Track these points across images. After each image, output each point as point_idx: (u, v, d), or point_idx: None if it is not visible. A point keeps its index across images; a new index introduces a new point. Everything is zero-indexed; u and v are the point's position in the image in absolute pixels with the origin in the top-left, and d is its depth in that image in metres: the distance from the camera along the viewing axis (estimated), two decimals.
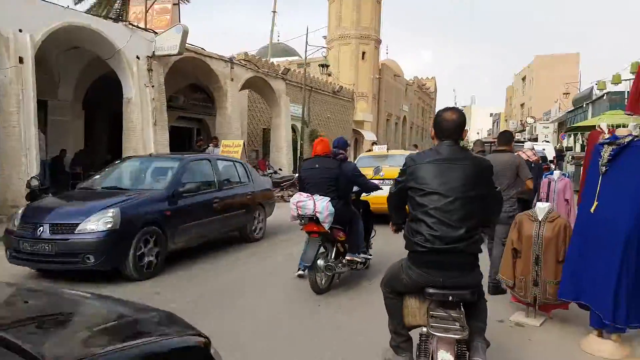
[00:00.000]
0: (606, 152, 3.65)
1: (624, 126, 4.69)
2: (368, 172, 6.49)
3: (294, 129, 25.59)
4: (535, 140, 39.59)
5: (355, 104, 37.06)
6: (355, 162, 10.13)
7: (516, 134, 54.96)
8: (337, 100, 29.15)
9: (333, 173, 5.38)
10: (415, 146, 13.90)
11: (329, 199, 5.19)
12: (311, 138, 26.35)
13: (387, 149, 14.58)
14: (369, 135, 33.08)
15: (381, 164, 8.01)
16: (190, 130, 20.24)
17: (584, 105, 25.49)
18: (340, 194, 5.42)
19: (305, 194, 5.30)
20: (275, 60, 37.62)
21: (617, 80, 17.50)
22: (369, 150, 20.17)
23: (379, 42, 39.17)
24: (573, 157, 16.34)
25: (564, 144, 28.59)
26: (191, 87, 18.09)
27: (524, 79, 58.34)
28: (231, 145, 14.10)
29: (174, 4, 16.10)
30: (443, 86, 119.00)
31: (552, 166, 13.89)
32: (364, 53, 37.64)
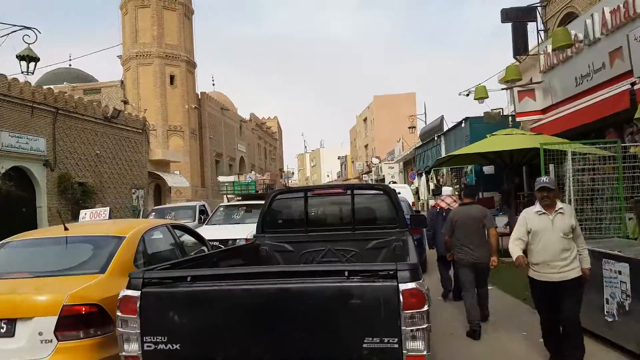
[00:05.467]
0: None
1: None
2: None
3: (27, 175, 15.79)
4: (383, 181, 35.53)
5: (163, 138, 28.30)
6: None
7: (363, 175, 51.73)
8: (116, 132, 20.15)
9: None
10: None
11: None
12: (61, 187, 16.77)
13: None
14: (174, 180, 24.43)
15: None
16: None
17: (436, 138, 20.73)
18: None
19: None
20: (65, 85, 27.46)
21: (482, 93, 12.18)
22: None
23: (193, 64, 31.44)
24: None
25: (415, 185, 23.83)
26: None
27: (365, 120, 56.19)
28: None
29: None
30: (291, 129, 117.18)
31: None
32: (172, 77, 29.46)
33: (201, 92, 33.15)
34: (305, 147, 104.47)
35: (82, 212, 5.52)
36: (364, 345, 2.62)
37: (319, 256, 5.16)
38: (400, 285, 2.66)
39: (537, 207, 4.18)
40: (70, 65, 32.95)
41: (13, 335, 3.27)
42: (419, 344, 2.64)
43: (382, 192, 5.34)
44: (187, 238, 5.68)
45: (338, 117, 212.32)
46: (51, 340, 3.28)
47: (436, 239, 7.03)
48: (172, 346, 2.80)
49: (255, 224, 9.84)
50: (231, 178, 13.92)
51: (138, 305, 2.85)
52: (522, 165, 10.34)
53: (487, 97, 12.31)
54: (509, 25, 15.55)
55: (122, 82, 29.54)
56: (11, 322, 3.30)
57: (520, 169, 12.85)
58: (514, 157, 9.02)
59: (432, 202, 17.68)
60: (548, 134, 9.56)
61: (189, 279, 2.89)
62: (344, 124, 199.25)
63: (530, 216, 4.18)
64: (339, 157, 73.06)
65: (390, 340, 2.61)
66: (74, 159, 17.61)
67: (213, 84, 47.94)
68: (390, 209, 5.24)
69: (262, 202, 11.28)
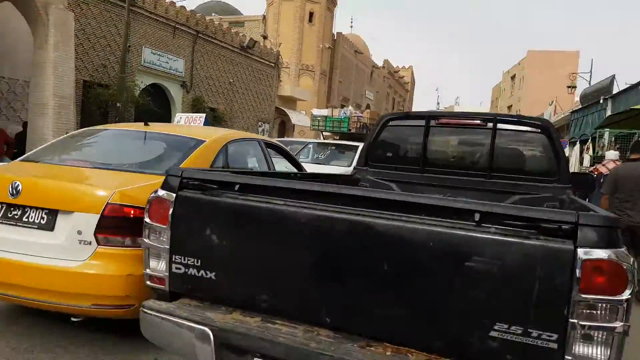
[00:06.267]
0: None
1: None
2: None
3: (165, 93, 16.69)
4: None
5: (294, 76, 28.31)
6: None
7: None
8: (250, 63, 20.31)
9: None
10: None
11: None
12: (194, 109, 17.46)
13: None
14: (298, 119, 24.35)
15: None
16: None
17: (602, 101, 17.24)
18: None
19: None
20: (214, 16, 28.71)
21: None
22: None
23: (333, 2, 30.43)
24: None
25: (566, 154, 20.44)
26: None
27: (513, 77, 50.56)
28: None
29: None
30: (424, 83, 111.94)
31: None
32: (311, 14, 28.87)
33: (337, 33, 32.26)
34: (438, 103, 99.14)
35: (178, 115, 5.05)
36: (493, 334, 1.54)
37: None
38: (579, 250, 1.48)
39: None
40: None
41: (52, 229, 2.76)
42: (599, 355, 1.50)
43: (538, 130, 3.85)
44: (283, 164, 4.91)
45: (479, 74, 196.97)
46: (90, 243, 2.71)
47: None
48: (206, 274, 2.01)
49: (340, 168, 8.73)
50: (324, 112, 12.23)
51: (171, 212, 2.07)
52: None
53: None
54: None
55: (264, 17, 29.83)
56: (53, 214, 2.78)
57: None
58: None
59: None
60: None
61: (237, 187, 2.00)
62: (485, 81, 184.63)
63: None
64: None
65: (544, 336, 1.51)
66: (208, 84, 18.15)
67: (351, 26, 46.57)
68: (548, 155, 3.77)
69: (358, 144, 9.92)
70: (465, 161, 4.15)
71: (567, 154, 20.34)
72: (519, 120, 3.96)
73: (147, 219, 2.16)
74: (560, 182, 3.68)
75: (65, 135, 4.01)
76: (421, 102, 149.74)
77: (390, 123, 4.23)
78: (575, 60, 41.02)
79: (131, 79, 14.36)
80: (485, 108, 65.41)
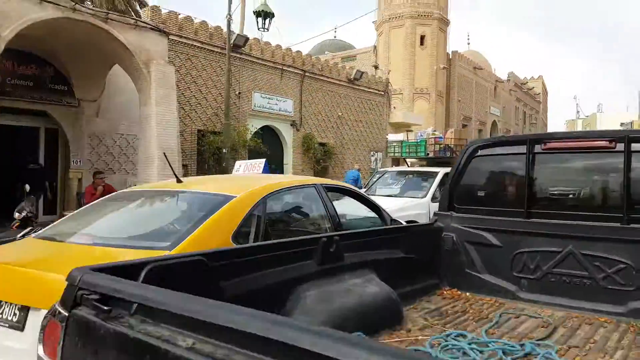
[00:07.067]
0: None
1: None
2: None
3: (276, 134, 16.92)
4: None
5: (408, 101, 27.17)
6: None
7: None
8: (359, 94, 19.82)
9: None
10: None
11: None
12: (305, 147, 17.39)
13: None
14: None
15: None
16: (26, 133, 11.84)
17: None
18: None
19: None
20: (326, 55, 29.48)
21: None
22: None
23: (445, 22, 28.86)
24: None
25: None
26: (18, 55, 10.38)
27: None
28: None
29: None
30: (559, 93, 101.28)
31: None
32: (422, 37, 27.66)
33: (452, 52, 30.51)
34: (578, 112, 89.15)
35: (237, 163, 4.51)
36: None
37: (549, 263, 2.77)
38: None
39: None
40: (335, 37, 35.25)
41: (23, 329, 2.20)
42: None
43: None
44: (353, 207, 3.96)
45: (624, 76, 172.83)
46: None
47: None
48: None
49: (414, 202, 7.44)
50: (399, 136, 11.03)
51: (61, 341, 1.31)
52: None
53: None
54: None
55: (374, 47, 29.56)
56: (24, 310, 2.23)
57: None
58: None
59: None
60: None
61: (133, 308, 1.17)
62: (631, 83, 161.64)
63: None
64: (622, 124, 58.63)
65: None
66: (317, 120, 18.02)
67: (468, 43, 43.88)
68: None
69: (438, 169, 8.28)
70: (589, 198, 2.86)
71: None
72: None
73: (39, 351, 1.43)
74: None
75: (93, 203, 3.60)
76: (559, 113, 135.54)
77: (478, 153, 3.10)
78: None
79: (243, 123, 14.75)
80: (634, 112, 56.41)
